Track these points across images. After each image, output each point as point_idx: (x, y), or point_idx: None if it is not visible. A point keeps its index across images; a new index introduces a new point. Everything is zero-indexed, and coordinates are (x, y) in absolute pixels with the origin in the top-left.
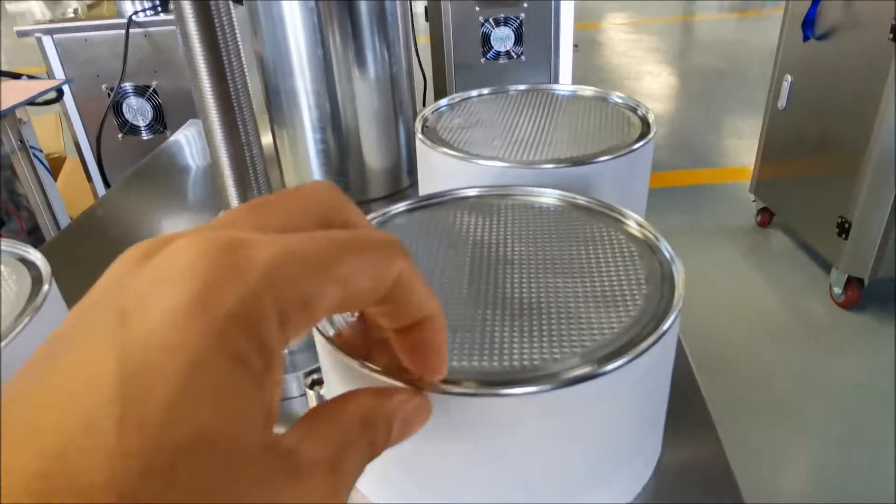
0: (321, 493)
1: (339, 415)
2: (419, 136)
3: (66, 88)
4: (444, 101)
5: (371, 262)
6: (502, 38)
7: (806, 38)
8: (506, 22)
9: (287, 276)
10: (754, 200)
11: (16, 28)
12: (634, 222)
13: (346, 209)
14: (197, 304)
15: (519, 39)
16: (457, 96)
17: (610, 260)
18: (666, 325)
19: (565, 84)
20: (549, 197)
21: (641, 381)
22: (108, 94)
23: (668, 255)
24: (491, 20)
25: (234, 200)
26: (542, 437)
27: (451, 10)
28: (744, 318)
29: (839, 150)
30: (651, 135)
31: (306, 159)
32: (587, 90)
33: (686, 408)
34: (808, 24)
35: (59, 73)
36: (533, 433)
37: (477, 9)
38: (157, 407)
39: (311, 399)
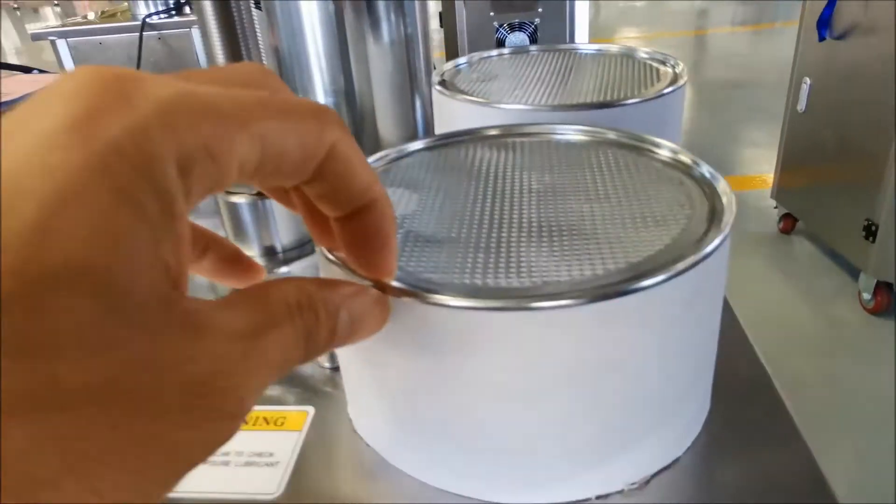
0: (225, 359)
1: (270, 292)
2: (436, 87)
3: None
4: (462, 59)
5: (297, 125)
6: (517, 44)
7: (822, 38)
8: (520, 27)
9: (188, 118)
10: (776, 207)
11: (30, 30)
12: (668, 150)
13: (279, 85)
14: (77, 128)
15: (534, 45)
16: (475, 55)
17: (647, 184)
18: (713, 245)
19: (589, 43)
20: (575, 133)
21: (686, 306)
22: None
23: (709, 177)
24: (505, 25)
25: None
26: (572, 363)
27: (465, 14)
28: (772, 327)
29: (862, 150)
30: (682, 82)
31: None
32: (612, 47)
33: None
34: (824, 23)
35: None
36: (559, 358)
37: (492, 13)
38: (25, 227)
39: None
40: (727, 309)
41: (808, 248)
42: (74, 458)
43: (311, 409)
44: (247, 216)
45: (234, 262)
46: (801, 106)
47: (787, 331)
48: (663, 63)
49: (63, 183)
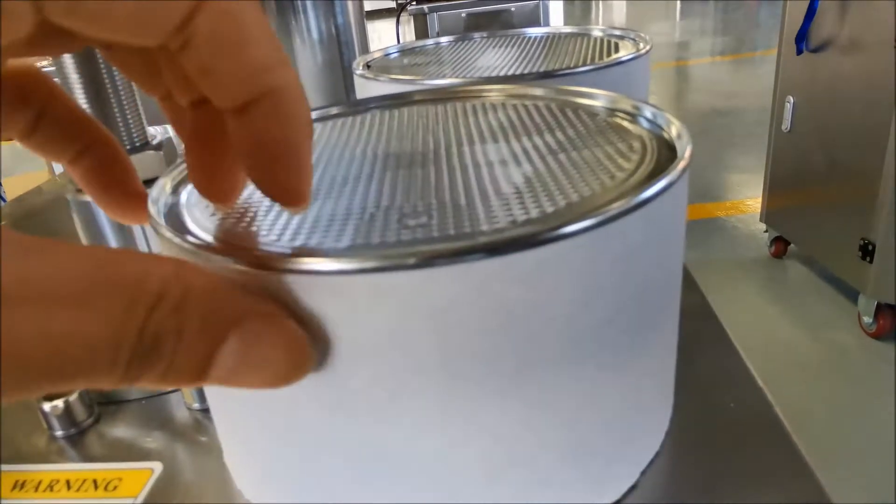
0: None
1: (126, 259)
2: (357, 71)
3: None
4: (393, 48)
5: None
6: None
7: (799, 52)
8: None
9: None
10: (766, 231)
11: None
12: (606, 99)
13: None
14: None
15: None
16: (409, 43)
17: (579, 137)
18: (656, 187)
19: (540, 27)
20: (498, 93)
21: (618, 265)
22: None
23: (657, 120)
24: None
25: None
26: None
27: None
28: (769, 355)
29: (852, 167)
30: (646, 50)
31: None
32: (565, 28)
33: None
34: (802, 37)
35: None
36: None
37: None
38: None
39: None
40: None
41: (802, 272)
42: None
43: (156, 467)
44: (103, 219)
45: (117, 178)
46: (786, 125)
47: (786, 358)
48: (622, 38)
49: None
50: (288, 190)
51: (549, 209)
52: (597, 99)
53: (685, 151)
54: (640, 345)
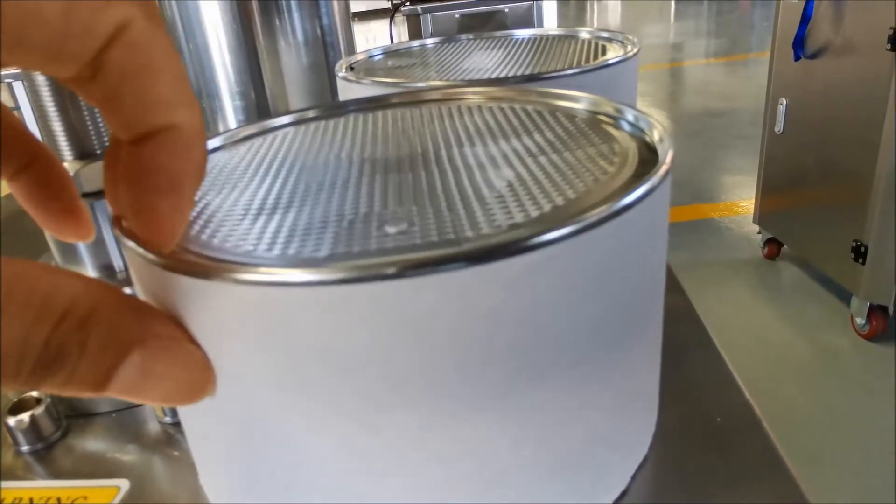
0: None
1: (41, 272)
2: (340, 73)
3: None
4: (377, 50)
5: None
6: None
7: (797, 58)
8: None
9: None
10: (759, 232)
11: None
12: (588, 102)
13: None
14: None
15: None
16: (393, 45)
17: (565, 139)
18: (639, 191)
19: (527, 29)
20: (475, 96)
21: (607, 272)
22: None
23: (639, 123)
24: None
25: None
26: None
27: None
28: (762, 357)
29: (844, 169)
30: (633, 52)
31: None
32: (553, 30)
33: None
34: (799, 43)
35: None
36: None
37: None
38: None
39: None
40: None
41: (795, 273)
42: None
43: (122, 484)
44: None
45: (56, 194)
46: (779, 127)
47: (778, 360)
48: (610, 41)
49: None
50: (157, 225)
51: (534, 213)
52: (579, 101)
53: (666, 156)
54: (625, 350)
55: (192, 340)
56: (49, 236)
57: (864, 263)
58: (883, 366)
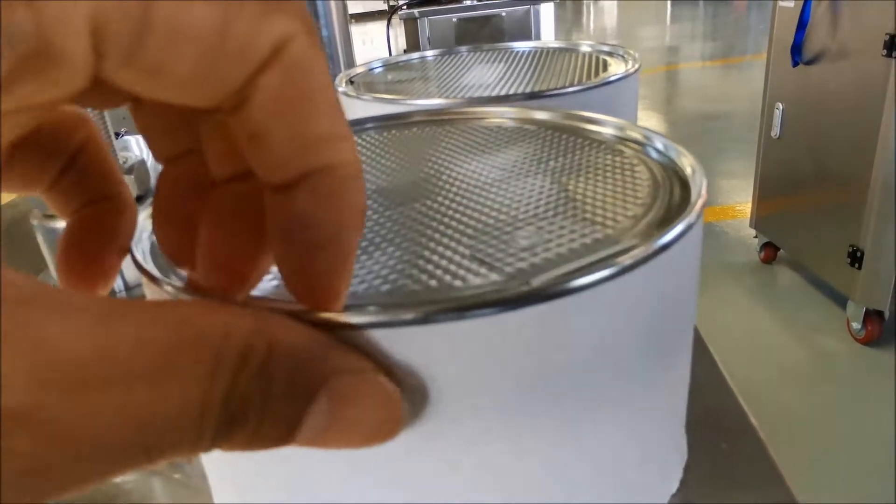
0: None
1: (193, 310)
2: (340, 87)
3: None
4: (377, 62)
5: None
6: None
7: (795, 64)
8: None
9: None
10: (755, 236)
11: None
12: (614, 127)
13: None
14: None
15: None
16: (393, 58)
17: (587, 169)
18: (672, 234)
19: (528, 41)
20: (496, 117)
21: (632, 317)
22: None
23: (668, 152)
24: None
25: None
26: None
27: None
28: (758, 361)
29: (840, 174)
30: (634, 68)
31: None
32: (553, 42)
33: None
34: (797, 49)
35: None
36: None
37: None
38: None
39: None
40: (701, 345)
41: (792, 278)
42: None
43: None
44: None
45: (104, 243)
46: (776, 132)
47: (774, 365)
48: (611, 55)
49: None
50: (321, 287)
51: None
52: (604, 126)
53: (701, 189)
54: (679, 367)
55: (379, 370)
56: (47, 250)
57: (860, 268)
58: (879, 370)
